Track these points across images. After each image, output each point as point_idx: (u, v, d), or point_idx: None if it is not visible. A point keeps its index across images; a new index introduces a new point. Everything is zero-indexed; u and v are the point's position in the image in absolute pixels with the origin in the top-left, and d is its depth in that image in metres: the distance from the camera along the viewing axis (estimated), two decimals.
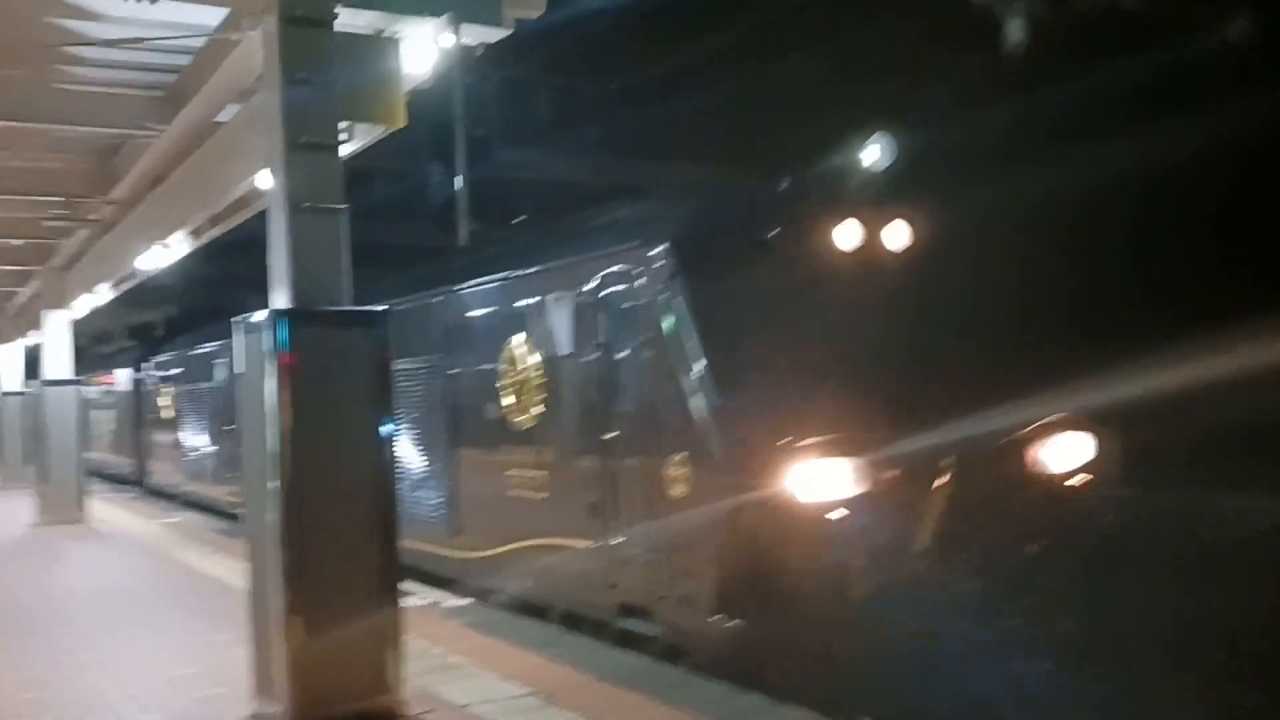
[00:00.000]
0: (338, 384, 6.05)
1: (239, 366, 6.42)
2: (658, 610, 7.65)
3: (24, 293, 20.85)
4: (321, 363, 5.98)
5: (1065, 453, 7.77)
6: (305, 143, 6.08)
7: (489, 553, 9.82)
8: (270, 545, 5.90)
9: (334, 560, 5.96)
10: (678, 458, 7.44)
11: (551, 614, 8.92)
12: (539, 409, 9.11)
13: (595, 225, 9.58)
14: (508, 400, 9.52)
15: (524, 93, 16.09)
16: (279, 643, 5.83)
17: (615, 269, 8.28)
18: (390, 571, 6.14)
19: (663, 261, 7.84)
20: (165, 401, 21.94)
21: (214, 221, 10.26)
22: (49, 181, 11.48)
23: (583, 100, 16.08)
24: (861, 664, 6.58)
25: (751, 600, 6.98)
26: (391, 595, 6.14)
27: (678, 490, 7.42)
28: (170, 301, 27.45)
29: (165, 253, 11.57)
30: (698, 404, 7.38)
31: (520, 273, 9.71)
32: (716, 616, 7.10)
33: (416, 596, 9.87)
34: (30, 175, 11.22)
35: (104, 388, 28.11)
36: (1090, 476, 7.78)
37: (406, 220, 16.19)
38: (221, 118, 8.78)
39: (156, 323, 31.08)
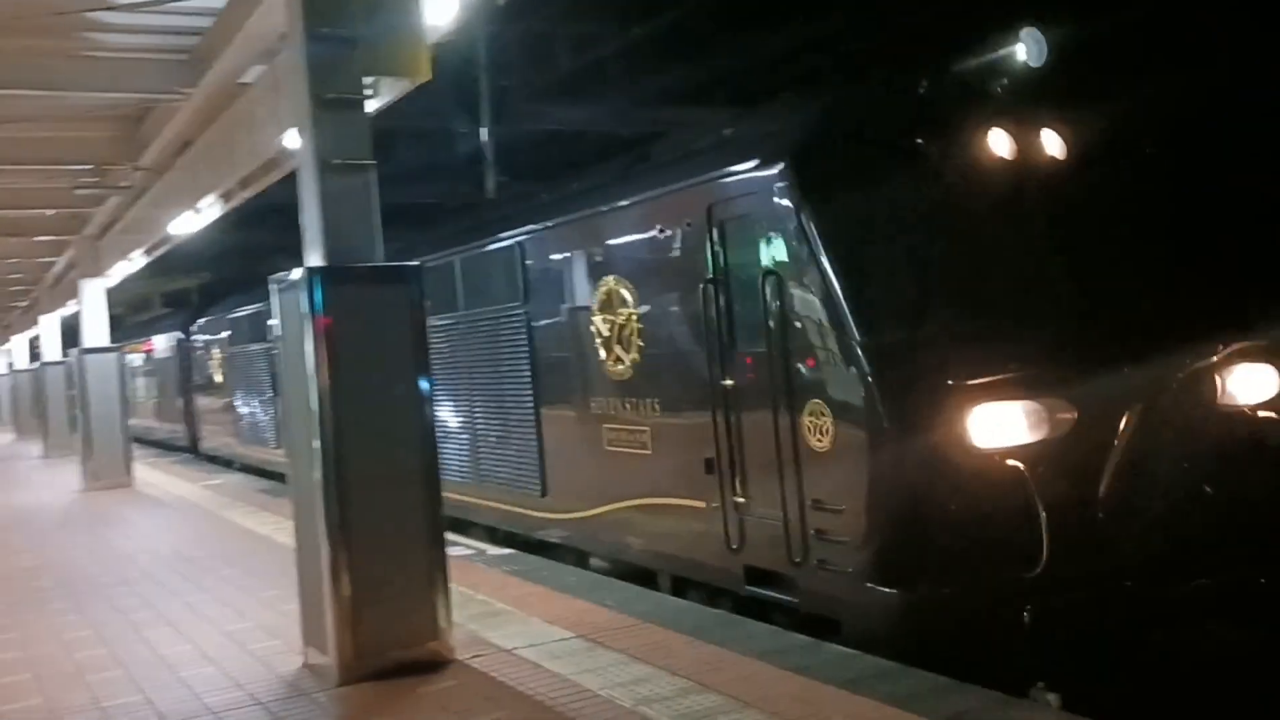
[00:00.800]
0: (374, 340, 6.12)
1: (277, 327, 6.51)
2: (796, 577, 6.84)
3: (60, 262, 21.09)
4: (358, 320, 6.04)
5: (1257, 382, 6.71)
6: (330, 99, 6.11)
7: (584, 514, 9.04)
8: (315, 501, 6.00)
9: (378, 513, 6.05)
10: (816, 404, 6.60)
11: (661, 579, 8.33)
12: (639, 356, 8.25)
13: (698, 148, 8.30)
14: (602, 348, 8.66)
15: (545, 44, 16.01)
16: (327, 596, 5.95)
17: (728, 193, 7.30)
18: (434, 521, 6.23)
19: (787, 179, 6.79)
20: (216, 364, 21.23)
21: (244, 184, 10.31)
22: (78, 150, 11.57)
23: (606, 49, 15.98)
24: (1049, 633, 5.96)
25: (914, 564, 6.19)
26: (437, 544, 6.23)
27: (817, 440, 6.59)
28: (217, 263, 26.60)
29: (196, 218, 11.64)
30: (839, 342, 6.48)
31: (611, 206, 8.64)
32: (870, 583, 6.31)
33: (459, 547, 10.01)
34: (59, 144, 11.32)
35: (151, 352, 27.35)
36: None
37: (434, 178, 16.17)
38: (246, 79, 8.80)
39: (203, 285, 30.58)
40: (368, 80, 6.66)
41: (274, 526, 11.54)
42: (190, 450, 23.58)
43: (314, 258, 6.19)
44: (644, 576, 8.42)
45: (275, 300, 6.39)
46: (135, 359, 27.70)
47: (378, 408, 6.10)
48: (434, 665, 6.13)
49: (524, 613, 7.25)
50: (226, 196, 10.94)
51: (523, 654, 6.33)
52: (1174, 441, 6.40)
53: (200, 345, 22.56)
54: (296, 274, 6.07)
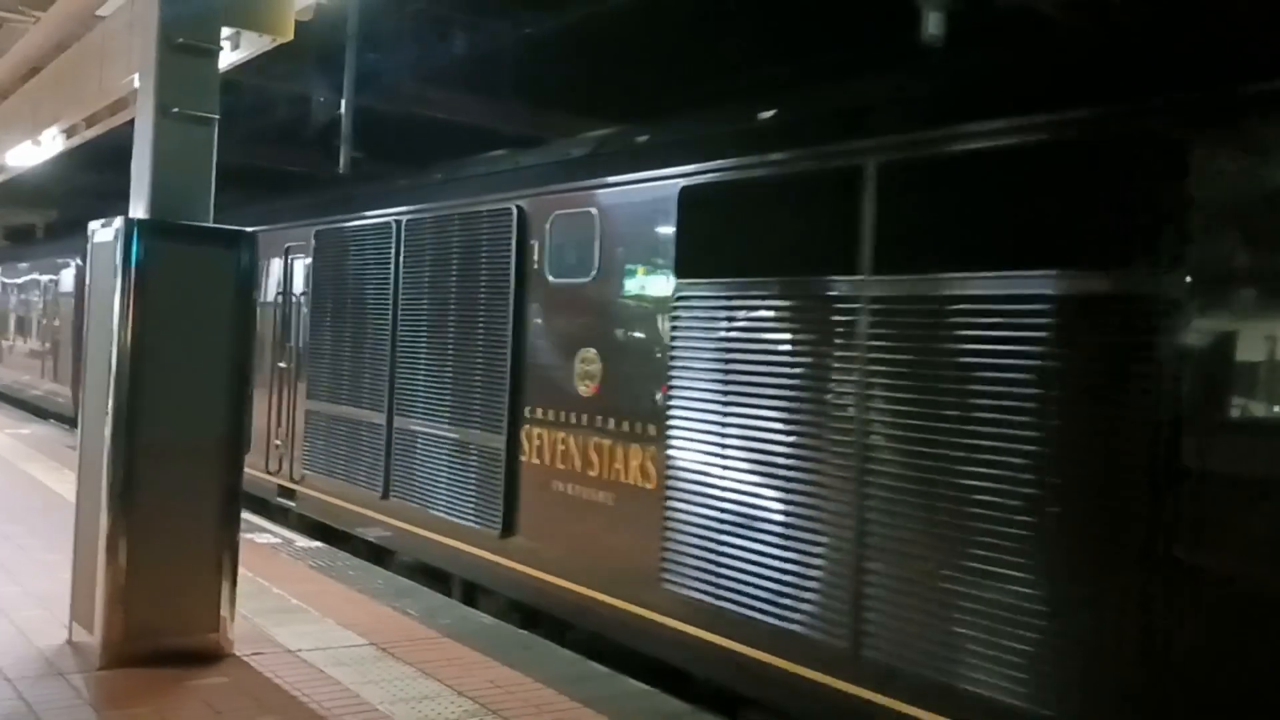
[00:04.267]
0: (191, 304, 5.74)
1: (89, 275, 6.06)
2: None
3: None
4: (175, 279, 5.67)
5: None
6: (181, 44, 5.72)
7: None
8: (101, 465, 5.58)
9: (168, 486, 5.67)
10: None
11: None
12: None
13: None
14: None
15: (441, 29, 15.65)
16: (100, 568, 5.53)
17: None
18: (230, 503, 5.87)
19: None
20: None
21: (90, 122, 9.71)
22: None
23: (500, 43, 15.70)
24: None
25: None
26: (229, 528, 5.87)
27: None
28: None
29: (36, 150, 10.93)
30: None
31: None
32: None
33: (266, 534, 9.56)
34: None
35: (33, 283, 20.70)
36: None
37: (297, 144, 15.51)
38: (104, 11, 8.25)
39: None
40: (227, 33, 6.32)
41: (75, 486, 10.83)
42: (75, 423, 18.18)
43: (138, 209, 5.78)
44: None
45: (89, 247, 5.95)
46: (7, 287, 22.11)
47: (184, 375, 5.71)
48: (209, 658, 5.75)
49: (319, 612, 6.89)
50: (70, 132, 10.30)
51: (307, 656, 5.99)
52: None
53: None
54: (116, 223, 5.65)
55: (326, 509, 9.98)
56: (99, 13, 8.28)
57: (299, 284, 10.56)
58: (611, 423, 6.74)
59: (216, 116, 5.81)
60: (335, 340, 9.80)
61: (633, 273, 6.81)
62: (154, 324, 5.57)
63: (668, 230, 6.47)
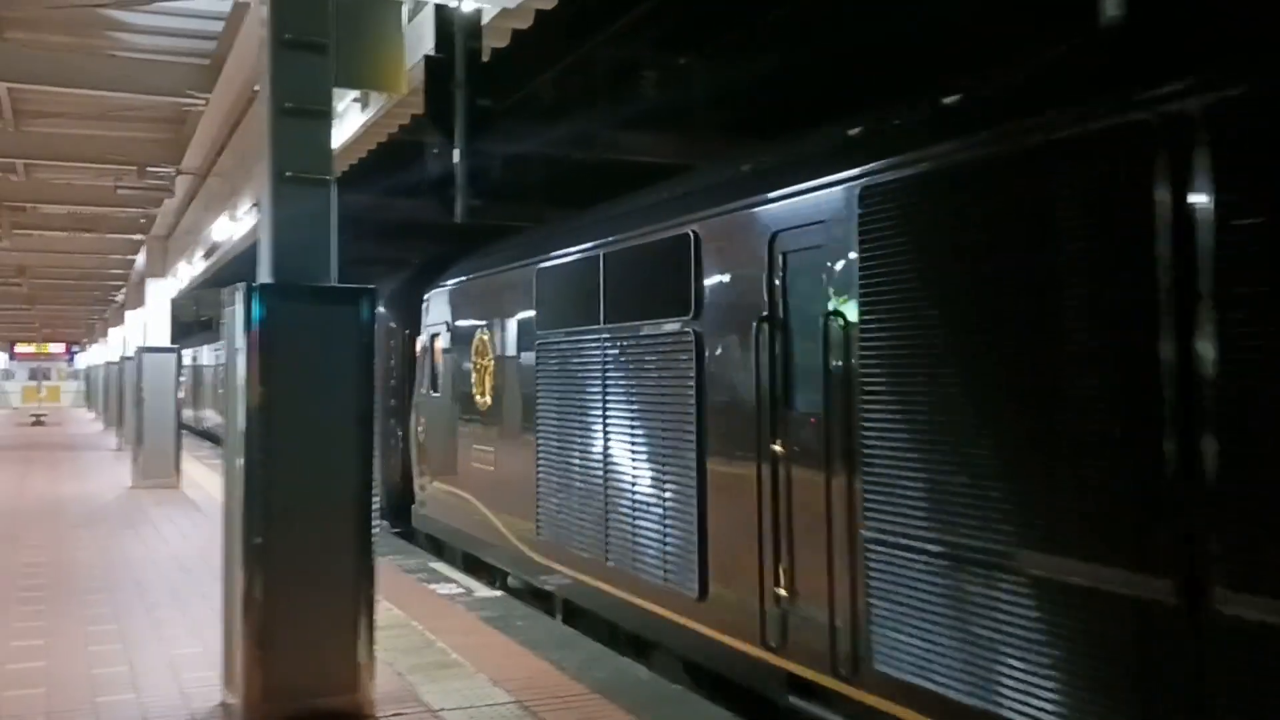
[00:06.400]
0: (315, 362, 5.77)
1: (228, 340, 6.22)
2: None
3: (139, 261, 21.46)
4: (297, 339, 5.72)
5: None
6: (290, 108, 5.80)
7: None
8: (236, 522, 5.67)
9: (303, 546, 5.68)
10: None
11: None
12: None
13: None
14: None
15: (629, 70, 15.68)
16: (238, 630, 5.59)
17: None
18: (364, 561, 5.83)
19: None
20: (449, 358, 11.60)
21: None
22: (121, 150, 11.57)
23: (692, 78, 15.54)
24: None
25: None
26: (365, 585, 5.83)
27: None
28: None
29: (234, 225, 11.54)
30: None
31: None
32: None
33: (450, 585, 9.63)
34: (101, 144, 11.32)
35: None
36: None
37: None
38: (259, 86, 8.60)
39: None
40: (354, 94, 6.39)
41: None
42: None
43: (263, 272, 5.88)
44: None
45: (226, 314, 6.10)
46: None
47: (313, 432, 5.74)
48: (348, 718, 5.70)
49: (474, 667, 6.78)
50: (260, 205, 10.78)
51: (448, 716, 5.87)
52: None
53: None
54: (240, 287, 5.77)
55: None
56: (256, 87, 8.63)
57: (812, 296, 5.85)
58: None
59: (330, 178, 5.86)
60: (947, 405, 4.89)
61: None
62: (280, 383, 5.63)
63: None
